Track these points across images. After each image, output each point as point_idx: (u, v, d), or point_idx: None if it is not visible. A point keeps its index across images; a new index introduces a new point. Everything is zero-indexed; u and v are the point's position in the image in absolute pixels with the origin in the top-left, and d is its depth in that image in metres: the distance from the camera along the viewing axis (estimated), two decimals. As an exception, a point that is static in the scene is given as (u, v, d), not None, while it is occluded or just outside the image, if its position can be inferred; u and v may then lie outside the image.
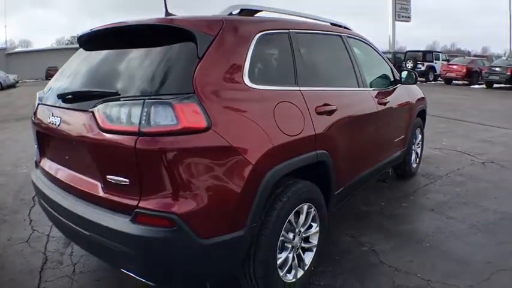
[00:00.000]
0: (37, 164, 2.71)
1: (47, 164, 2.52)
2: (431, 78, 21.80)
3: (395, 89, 3.87)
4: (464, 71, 19.97)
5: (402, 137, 4.12)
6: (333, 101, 2.61)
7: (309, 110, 2.37)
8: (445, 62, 22.76)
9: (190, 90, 1.81)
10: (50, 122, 2.27)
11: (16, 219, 3.73)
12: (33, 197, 4.28)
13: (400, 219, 3.62)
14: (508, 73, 17.84)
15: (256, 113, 2.05)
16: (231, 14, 2.42)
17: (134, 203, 1.82)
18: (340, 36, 3.15)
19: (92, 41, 2.51)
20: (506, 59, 21.32)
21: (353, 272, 2.67)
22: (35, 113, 2.59)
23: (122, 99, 1.87)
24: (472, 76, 20.19)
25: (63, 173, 2.31)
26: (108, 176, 1.91)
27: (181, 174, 1.76)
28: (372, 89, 3.36)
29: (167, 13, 2.41)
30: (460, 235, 3.20)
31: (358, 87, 3.17)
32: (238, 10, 2.45)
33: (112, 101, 1.89)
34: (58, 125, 2.19)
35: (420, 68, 21.09)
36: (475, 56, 34.56)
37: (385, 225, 3.43)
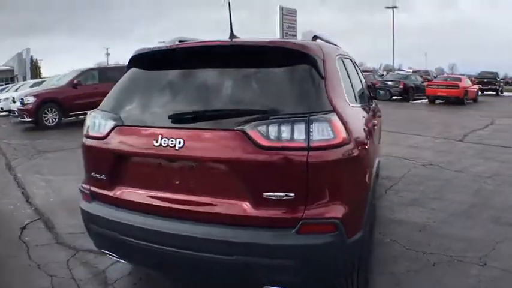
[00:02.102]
0: (93, 196, 2.43)
1: (131, 193, 2.28)
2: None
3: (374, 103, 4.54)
4: (361, 86, 22.16)
5: (379, 145, 4.81)
6: (372, 115, 3.11)
7: (371, 123, 2.83)
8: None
9: (330, 108, 2.03)
10: (160, 145, 2.10)
11: (20, 265, 3.28)
12: (20, 235, 3.85)
13: (393, 213, 4.25)
14: (401, 86, 20.16)
15: (361, 126, 2.43)
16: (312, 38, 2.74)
17: (299, 214, 1.92)
18: (350, 58, 3.63)
19: (178, 58, 2.42)
20: (397, 73, 24.12)
21: (393, 259, 3.16)
22: (104, 137, 2.33)
23: (271, 117, 1.96)
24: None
25: (172, 199, 2.15)
26: (265, 194, 1.93)
27: (339, 182, 2.01)
28: (366, 104, 3.95)
29: (232, 35, 2.56)
30: (448, 221, 3.93)
31: (366, 103, 3.72)
32: (312, 36, 2.78)
33: (263, 119, 1.96)
34: (179, 147, 2.06)
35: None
36: (364, 71, 38.55)
37: (384, 219, 4.01)
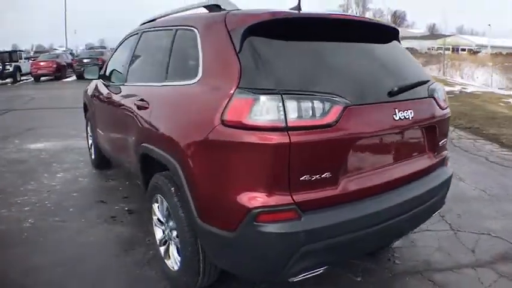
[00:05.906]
0: (304, 208, 1.86)
1: (362, 180, 2.06)
2: (19, 79, 20.07)
3: None
4: (55, 66, 19.85)
5: None
6: None
7: None
8: (32, 60, 21.95)
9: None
10: (399, 119, 2.13)
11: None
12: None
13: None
14: (99, 62, 19.13)
15: None
16: None
17: (446, 152, 2.64)
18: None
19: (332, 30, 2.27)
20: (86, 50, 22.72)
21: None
22: (332, 124, 1.89)
23: (432, 85, 2.51)
24: (62, 70, 20.49)
25: (397, 169, 2.23)
26: (440, 142, 2.50)
27: None
28: None
29: (299, 7, 2.28)
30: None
31: None
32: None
33: (428, 86, 2.46)
34: (411, 117, 2.20)
35: (9, 69, 19.05)
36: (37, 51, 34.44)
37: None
